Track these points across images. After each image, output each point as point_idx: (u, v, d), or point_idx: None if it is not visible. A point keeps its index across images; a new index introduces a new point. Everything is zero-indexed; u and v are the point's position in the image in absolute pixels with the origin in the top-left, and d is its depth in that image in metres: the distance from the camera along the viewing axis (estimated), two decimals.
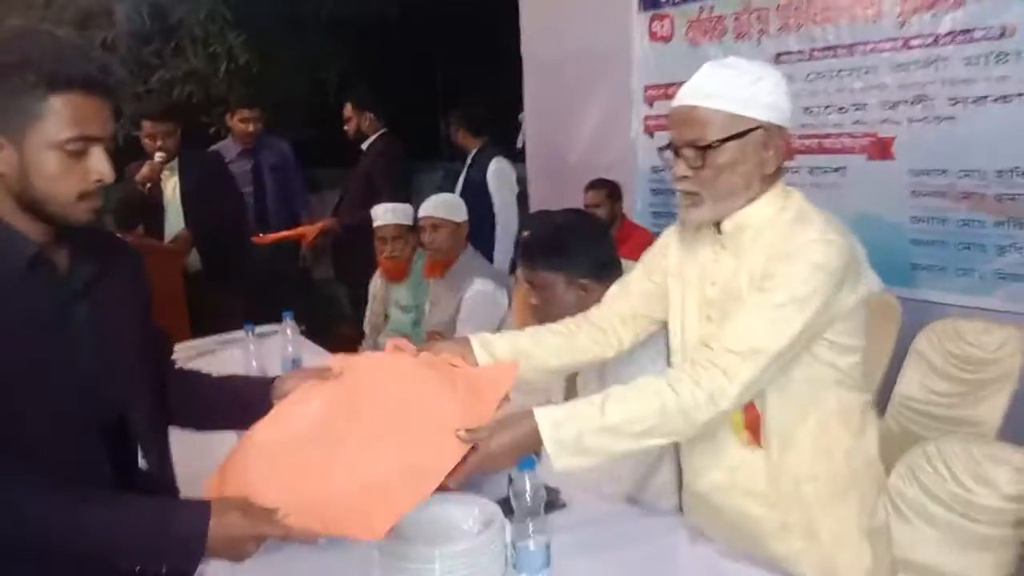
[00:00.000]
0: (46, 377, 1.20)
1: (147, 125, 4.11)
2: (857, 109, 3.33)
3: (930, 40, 3.05)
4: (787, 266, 1.39)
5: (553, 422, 1.34)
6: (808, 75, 3.49)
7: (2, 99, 1.14)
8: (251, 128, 4.55)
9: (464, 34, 7.34)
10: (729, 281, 1.50)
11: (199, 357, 2.97)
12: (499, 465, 1.37)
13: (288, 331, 2.64)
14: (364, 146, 4.45)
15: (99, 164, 1.21)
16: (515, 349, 1.62)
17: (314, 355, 2.91)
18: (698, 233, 1.59)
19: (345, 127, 4.52)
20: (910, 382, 2.75)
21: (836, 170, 3.45)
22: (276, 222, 4.61)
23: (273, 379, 1.53)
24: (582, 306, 1.83)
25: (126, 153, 4.38)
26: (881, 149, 3.27)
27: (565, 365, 1.73)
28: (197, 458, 1.50)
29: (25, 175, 1.17)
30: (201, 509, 1.20)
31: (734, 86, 1.42)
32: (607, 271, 1.92)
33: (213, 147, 4.68)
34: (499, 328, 3.03)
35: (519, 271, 1.97)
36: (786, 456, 1.51)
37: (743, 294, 1.45)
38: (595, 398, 1.40)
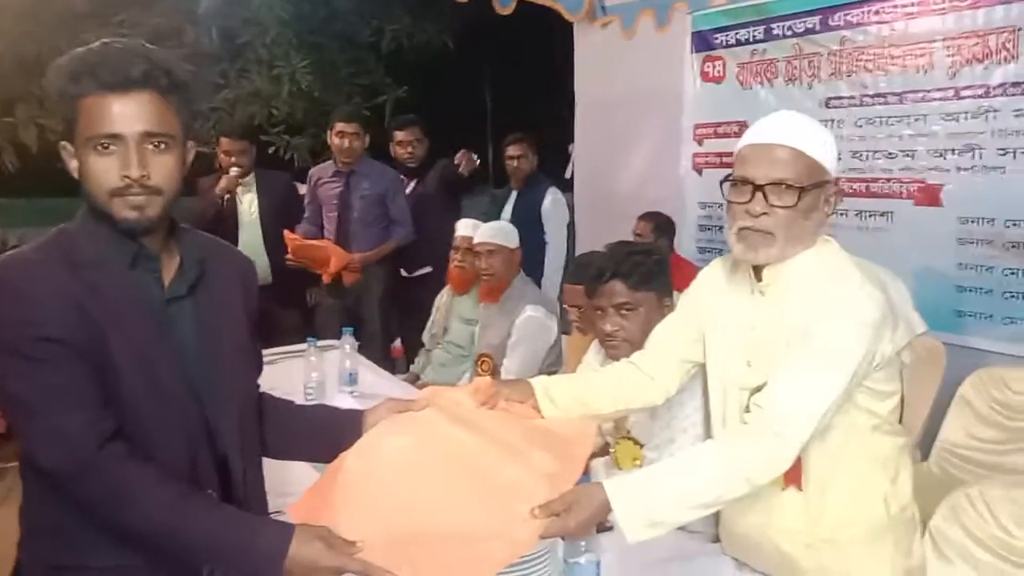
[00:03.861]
0: (152, 370, 1.25)
1: (225, 142, 4.28)
2: (906, 155, 3.39)
3: (981, 91, 3.11)
4: (829, 323, 1.44)
5: (624, 499, 1.36)
6: (857, 120, 3.56)
7: (61, 109, 1.25)
8: (347, 144, 4.16)
9: (517, 66, 7.50)
10: (768, 327, 1.54)
11: None
12: (576, 537, 1.42)
13: (347, 346, 2.76)
14: (414, 166, 4.47)
15: (124, 159, 1.22)
16: (574, 396, 1.64)
17: (368, 370, 3.03)
18: (734, 276, 1.64)
19: (403, 150, 4.49)
20: (954, 428, 2.78)
21: (883, 215, 3.50)
22: (360, 250, 4.24)
23: (363, 412, 1.53)
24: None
25: (193, 169, 4.57)
26: (929, 196, 3.32)
27: (618, 412, 1.80)
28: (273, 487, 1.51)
29: (83, 178, 1.26)
30: (286, 530, 1.24)
31: (818, 136, 1.49)
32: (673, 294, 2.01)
33: (315, 167, 4.50)
34: (547, 354, 3.14)
35: (597, 298, 2.00)
36: (825, 500, 1.55)
37: (783, 344, 1.49)
38: (660, 470, 1.44)
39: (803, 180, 1.46)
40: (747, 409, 1.54)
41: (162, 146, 1.26)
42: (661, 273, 1.98)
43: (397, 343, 4.35)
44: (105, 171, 1.23)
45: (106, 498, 1.22)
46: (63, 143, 1.28)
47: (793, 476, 1.53)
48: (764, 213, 1.47)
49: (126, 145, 1.23)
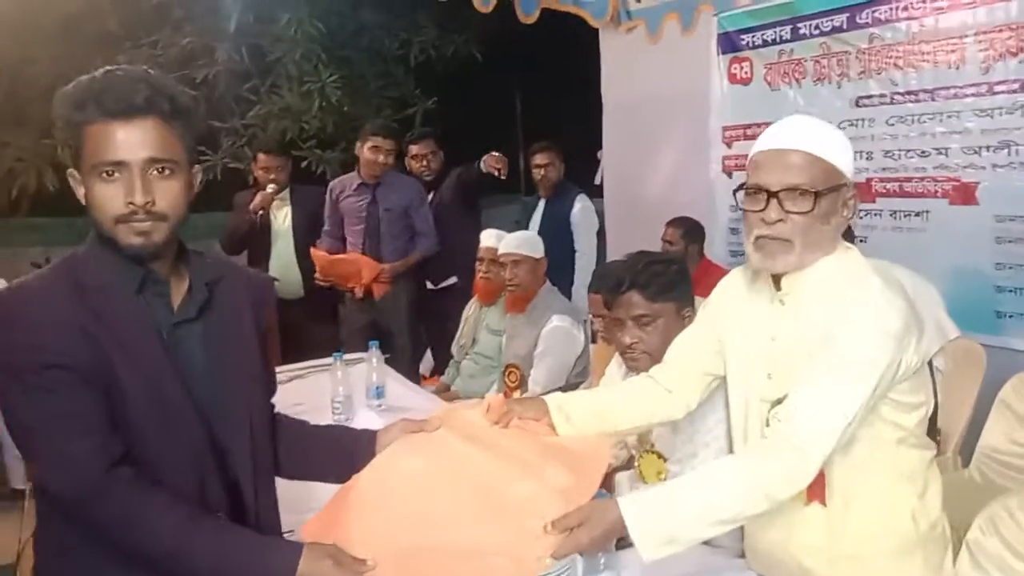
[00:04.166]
0: (159, 394, 1.26)
1: (263, 158, 4.34)
2: (939, 153, 3.31)
3: (1016, 86, 3.03)
4: (850, 333, 1.40)
5: (639, 515, 1.33)
6: (889, 119, 3.49)
7: (67, 137, 1.26)
8: (380, 159, 4.09)
9: (544, 72, 7.50)
10: (789, 337, 1.50)
11: (289, 382, 3.12)
12: (590, 552, 1.40)
13: (374, 360, 2.77)
14: (430, 179, 4.43)
15: (128, 187, 1.23)
16: (590, 413, 1.62)
17: (396, 382, 3.04)
18: (755, 285, 1.60)
19: (419, 164, 4.45)
20: (995, 433, 2.69)
21: (918, 214, 3.42)
22: (388, 262, 4.20)
23: (376, 432, 1.53)
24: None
25: (227, 184, 4.65)
26: (964, 194, 3.24)
27: (636, 428, 1.77)
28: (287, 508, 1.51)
29: (88, 205, 1.27)
30: (294, 549, 1.25)
31: (831, 139, 1.46)
32: (695, 304, 1.98)
33: (334, 180, 4.44)
34: (575, 364, 3.12)
35: (615, 309, 1.97)
36: (848, 515, 1.51)
37: (804, 354, 1.46)
38: (676, 487, 1.40)
39: (818, 184, 1.42)
40: (768, 423, 1.51)
41: (166, 172, 1.26)
42: (682, 283, 1.95)
43: (426, 361, 4.32)
44: (110, 198, 1.24)
45: (115, 522, 1.23)
46: (71, 171, 1.29)
47: (816, 491, 1.49)
48: (780, 220, 1.44)
49: (130, 172, 1.24)
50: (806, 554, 1.55)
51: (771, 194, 1.44)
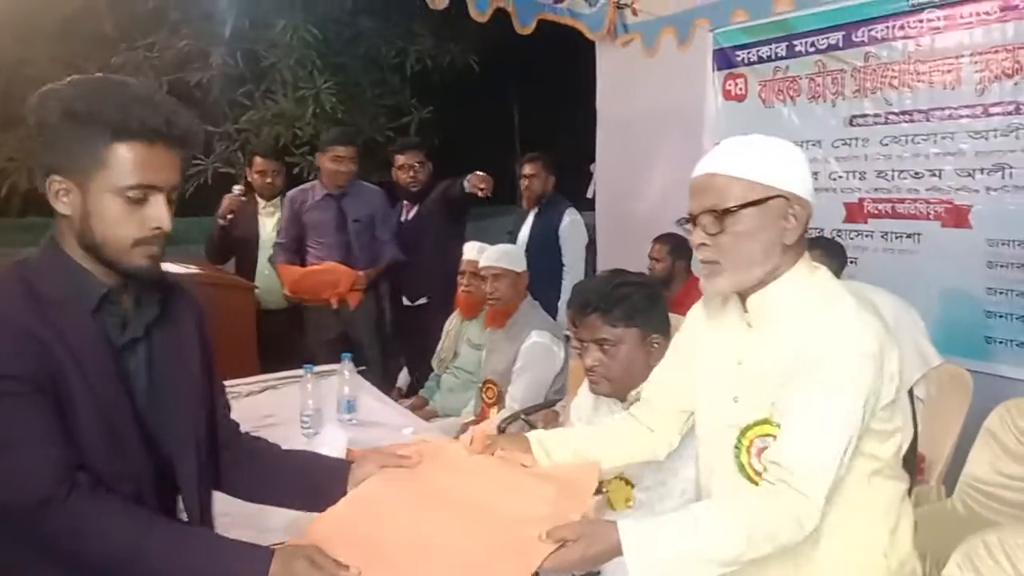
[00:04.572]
0: (106, 412, 1.24)
1: (260, 162, 4.28)
2: (932, 175, 3.26)
3: (1011, 108, 2.98)
4: (829, 357, 1.34)
5: (638, 544, 1.29)
6: (883, 139, 3.43)
7: (72, 145, 1.20)
8: (344, 168, 4.06)
9: (543, 84, 7.47)
10: (757, 360, 1.46)
11: (261, 393, 3.06)
12: (578, 569, 1.35)
13: (346, 372, 2.70)
14: (417, 191, 4.30)
15: (158, 212, 1.23)
16: (571, 450, 1.59)
17: (369, 396, 2.97)
18: (724, 308, 1.56)
19: (405, 175, 4.31)
20: (980, 463, 2.62)
21: (910, 236, 3.36)
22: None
23: (350, 464, 1.49)
24: (650, 363, 1.81)
25: (218, 189, 4.59)
26: (957, 217, 3.18)
27: (617, 468, 1.73)
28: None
29: (87, 218, 1.22)
30: (264, 553, 1.22)
31: (755, 157, 1.41)
32: (668, 330, 1.92)
33: (292, 190, 4.31)
34: (554, 381, 3.05)
35: (579, 330, 1.93)
36: (816, 550, 1.44)
37: (775, 378, 1.41)
38: (679, 522, 1.34)
39: (729, 202, 1.39)
40: (736, 445, 1.45)
41: (174, 196, 1.28)
42: (651, 309, 1.88)
43: (403, 378, 4.23)
44: (136, 221, 1.23)
45: (70, 532, 1.18)
46: (57, 177, 1.23)
47: None
48: (703, 243, 1.44)
49: (159, 197, 1.24)
50: None
51: (694, 220, 1.44)
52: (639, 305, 1.87)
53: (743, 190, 1.39)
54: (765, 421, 1.43)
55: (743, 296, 1.47)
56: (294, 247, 4.17)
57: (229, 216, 4.15)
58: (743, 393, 1.47)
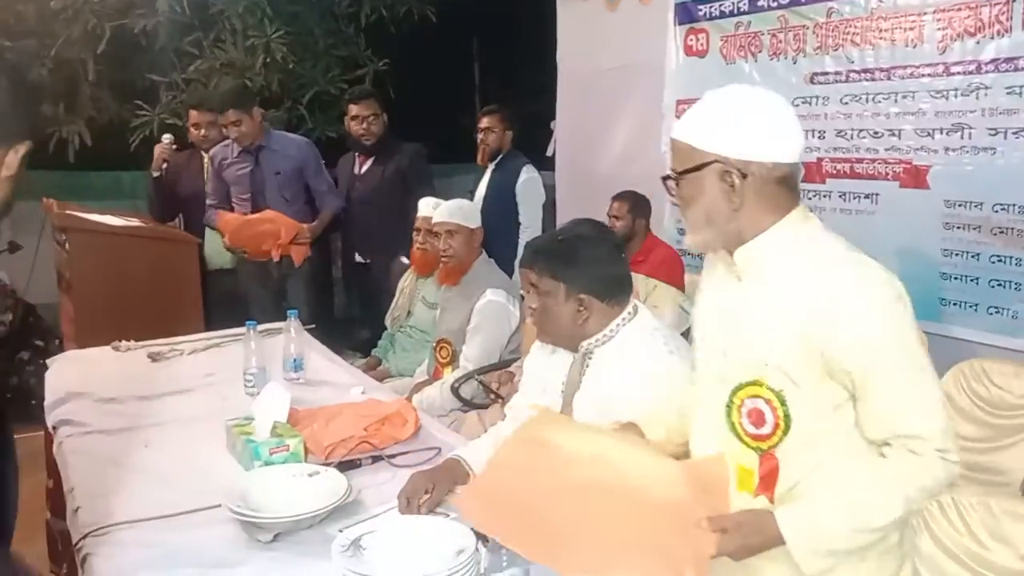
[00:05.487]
0: None
1: (194, 115, 4.14)
2: (892, 135, 3.23)
3: (972, 67, 2.95)
4: (872, 312, 1.32)
5: (799, 531, 1.32)
6: (843, 97, 3.40)
7: None
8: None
9: (504, 40, 7.31)
10: (746, 312, 1.42)
11: (205, 351, 2.95)
12: (733, 557, 1.34)
13: (292, 330, 2.60)
14: (370, 144, 4.17)
15: None
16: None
17: (319, 355, 2.88)
18: (716, 260, 1.52)
19: (359, 126, 4.16)
20: None
21: (867, 196, 3.35)
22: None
23: None
24: (577, 321, 1.83)
25: (159, 141, 4.41)
26: (915, 177, 3.16)
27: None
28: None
29: None
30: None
31: (702, 119, 1.40)
32: (613, 290, 1.85)
33: (214, 147, 4.13)
34: (509, 341, 2.99)
35: (521, 272, 1.94)
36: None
37: (767, 335, 1.38)
38: (832, 501, 1.35)
39: (678, 167, 1.42)
40: (728, 404, 1.43)
41: None
42: (585, 265, 1.84)
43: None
44: None
45: None
46: None
47: (768, 483, 1.41)
48: (676, 204, 1.49)
49: None
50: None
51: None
52: (569, 259, 1.84)
53: (687, 155, 1.40)
54: (757, 383, 1.39)
55: (729, 250, 1.44)
56: (222, 207, 4.05)
57: (164, 166, 3.99)
58: (732, 347, 1.44)
